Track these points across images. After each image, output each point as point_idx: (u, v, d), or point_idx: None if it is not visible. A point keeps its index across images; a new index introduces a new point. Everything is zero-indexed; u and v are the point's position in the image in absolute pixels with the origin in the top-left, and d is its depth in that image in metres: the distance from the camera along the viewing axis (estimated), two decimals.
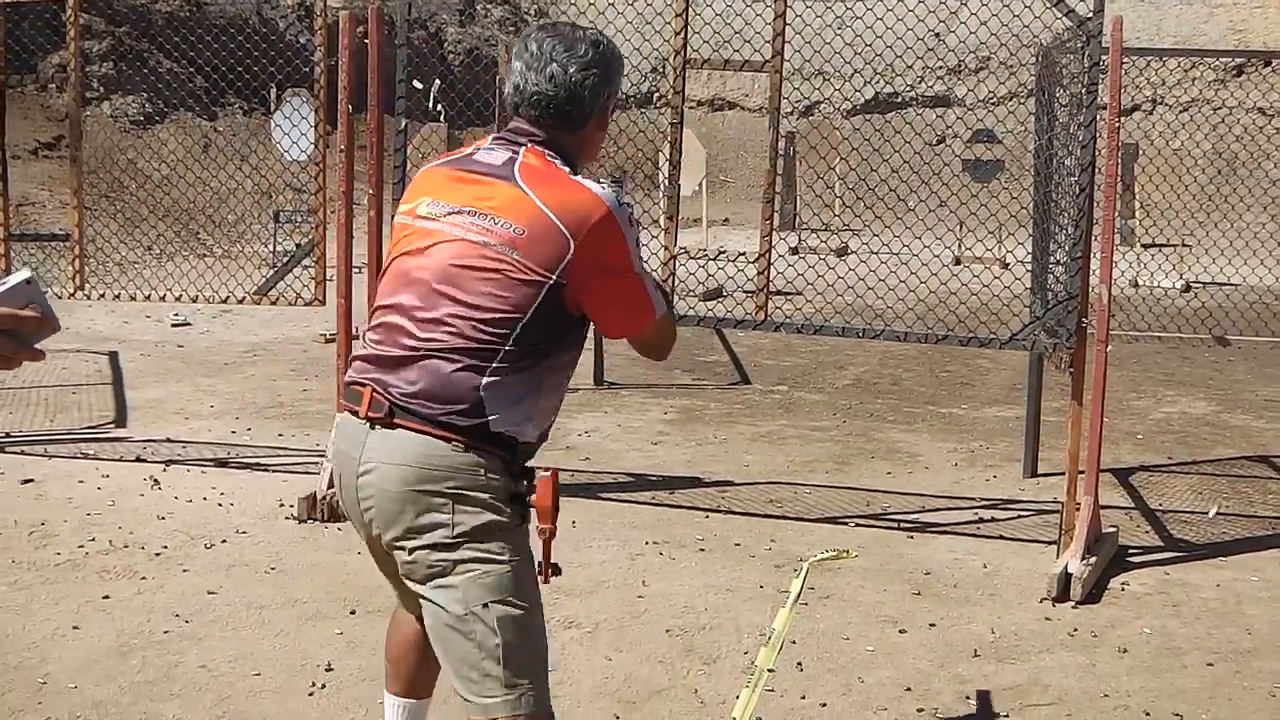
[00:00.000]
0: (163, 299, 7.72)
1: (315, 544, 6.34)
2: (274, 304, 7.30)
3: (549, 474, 3.30)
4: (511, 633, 3.19)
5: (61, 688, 4.77)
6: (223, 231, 12.98)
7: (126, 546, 6.24)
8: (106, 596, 5.61)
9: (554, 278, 3.18)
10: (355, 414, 3.28)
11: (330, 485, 6.68)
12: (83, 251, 7.77)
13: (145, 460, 7.72)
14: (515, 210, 3.21)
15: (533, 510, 3.27)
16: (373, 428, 3.23)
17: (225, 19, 21.75)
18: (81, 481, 7.30)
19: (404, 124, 6.94)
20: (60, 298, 8.17)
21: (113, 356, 11.13)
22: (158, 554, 6.15)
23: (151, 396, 9.61)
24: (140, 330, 12.49)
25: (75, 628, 5.31)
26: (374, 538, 3.33)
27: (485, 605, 3.18)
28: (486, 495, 3.19)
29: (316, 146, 7.27)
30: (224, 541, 6.35)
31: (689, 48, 6.77)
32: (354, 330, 7.10)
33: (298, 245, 16.59)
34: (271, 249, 16.05)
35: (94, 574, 5.91)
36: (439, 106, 8.93)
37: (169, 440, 8.25)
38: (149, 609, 5.49)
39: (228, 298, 7.48)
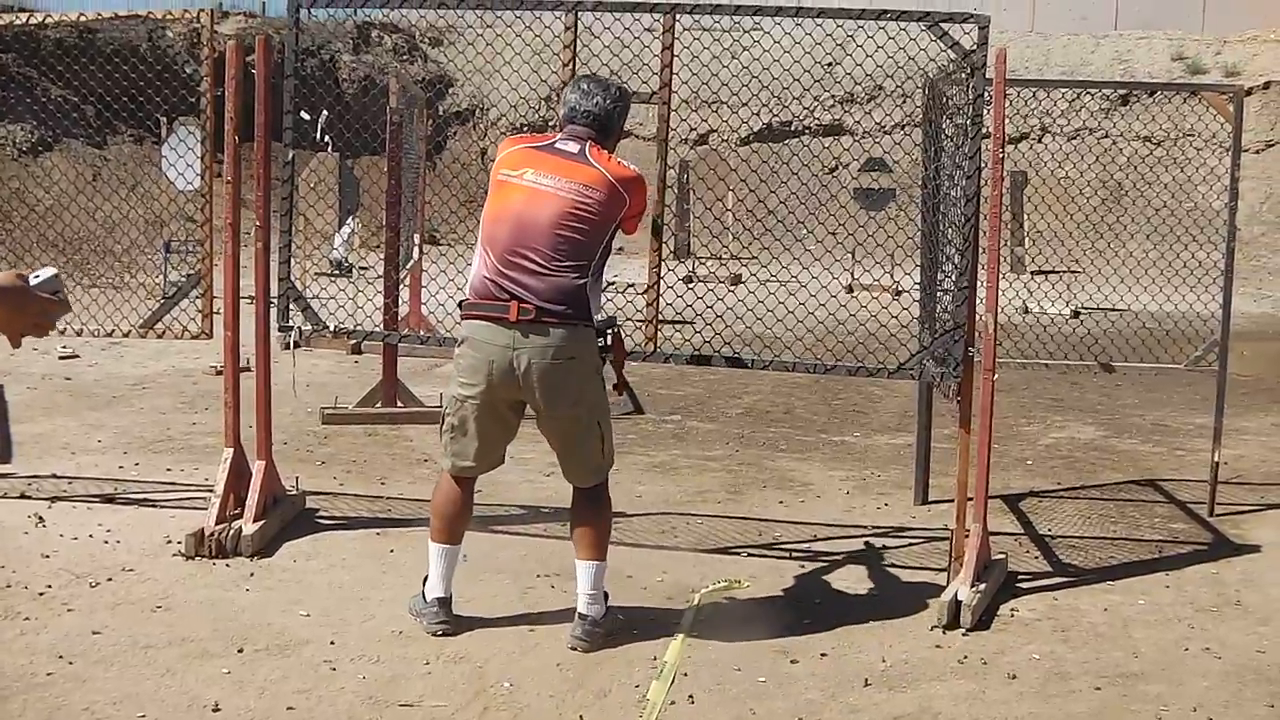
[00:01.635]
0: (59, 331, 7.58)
1: (203, 580, 6.24)
2: (160, 337, 7.21)
3: (617, 329, 5.64)
4: (608, 434, 5.66)
5: None
6: (113, 261, 12.81)
7: (9, 586, 6.10)
8: None
9: (617, 220, 5.47)
10: (500, 321, 5.27)
11: (219, 521, 6.62)
12: None
13: (29, 497, 7.57)
14: (595, 180, 5.35)
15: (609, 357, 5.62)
16: (522, 329, 5.27)
17: (114, 46, 21.49)
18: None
19: (291, 154, 6.89)
20: None
21: None
22: (41, 593, 6.01)
23: (37, 431, 9.43)
24: (27, 362, 12.23)
25: None
26: (506, 404, 5.49)
27: (599, 422, 5.58)
28: (593, 357, 5.49)
29: (203, 177, 7.19)
30: (110, 579, 6.23)
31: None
32: (242, 361, 7.03)
33: (187, 276, 16.43)
34: (162, 280, 15.84)
35: None
36: (326, 137, 8.89)
37: (54, 476, 8.09)
38: (31, 650, 5.37)
39: (113, 330, 7.37)
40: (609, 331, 5.59)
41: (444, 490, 5.72)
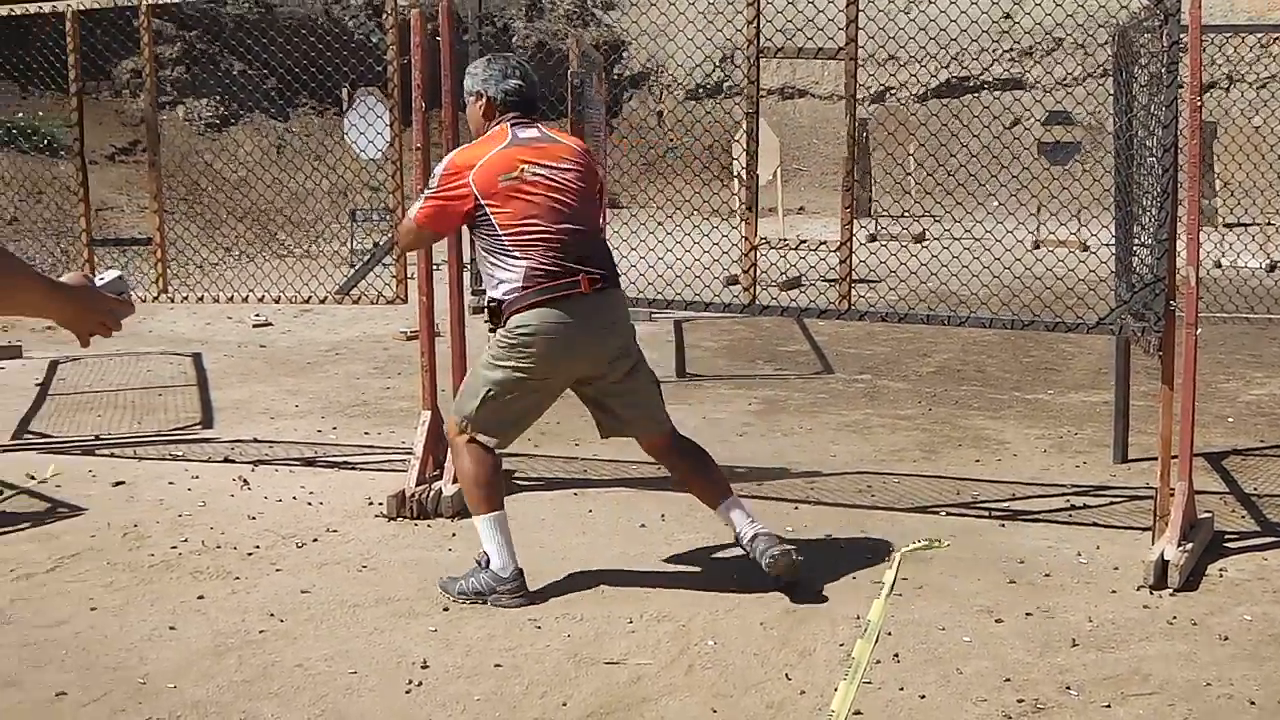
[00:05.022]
0: (245, 300, 7.77)
1: (406, 541, 6.36)
2: (356, 303, 7.32)
3: None
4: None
5: (161, 688, 4.81)
6: (302, 231, 13.05)
7: (219, 547, 6.29)
8: (201, 597, 5.65)
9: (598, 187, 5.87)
10: (573, 294, 5.42)
11: (419, 483, 6.72)
12: (164, 255, 7.82)
13: (233, 461, 7.79)
14: (578, 156, 5.67)
15: None
16: (592, 296, 5.46)
17: (294, 20, 21.86)
18: (171, 483, 7.36)
19: None
20: (144, 300, 8.24)
21: (196, 358, 11.23)
22: (250, 554, 6.19)
23: (236, 397, 9.69)
24: (222, 331, 12.59)
25: (172, 628, 5.34)
26: (566, 382, 5.65)
27: (651, 370, 5.82)
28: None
29: (392, 145, 7.28)
30: (315, 540, 6.38)
31: (761, 36, 6.72)
32: (435, 327, 7.12)
33: (375, 244, 16.69)
34: (349, 248, 16.14)
35: (188, 574, 5.95)
36: None
37: (256, 440, 8.32)
38: (243, 609, 5.52)
39: (310, 298, 7.52)
40: None
41: (487, 462, 5.62)
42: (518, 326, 5.43)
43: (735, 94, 26.01)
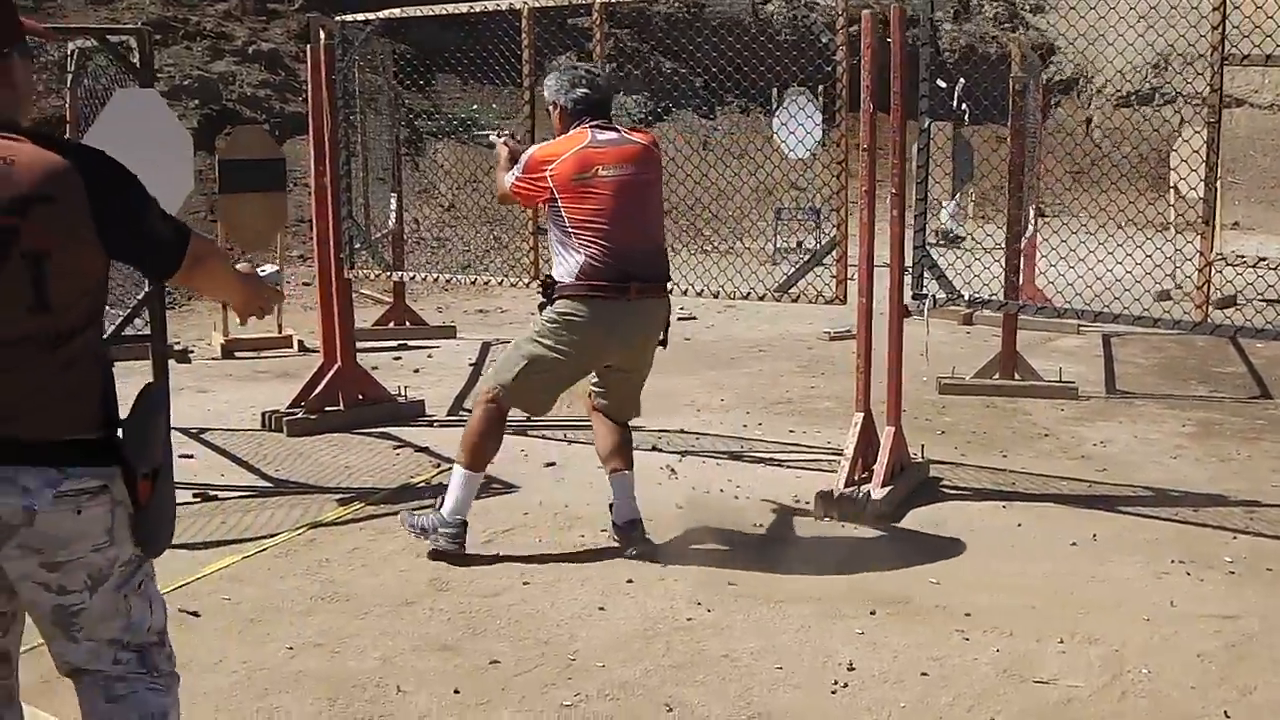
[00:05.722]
0: (684, 293, 7.89)
1: (833, 542, 6.36)
2: (794, 300, 7.35)
3: None
4: None
5: (590, 665, 4.95)
6: (728, 228, 13.21)
7: (646, 534, 6.42)
8: (630, 580, 5.80)
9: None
10: (619, 298, 5.90)
11: (848, 484, 6.72)
12: None
13: (660, 450, 7.94)
14: (649, 155, 6.13)
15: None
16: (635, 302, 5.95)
17: (721, 19, 22.20)
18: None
19: (928, 123, 6.89)
20: None
21: None
22: (675, 542, 6.31)
23: (662, 388, 9.82)
24: None
25: (601, 608, 5.50)
26: (601, 362, 6.17)
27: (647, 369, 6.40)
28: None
29: (839, 145, 7.27)
30: (741, 534, 6.46)
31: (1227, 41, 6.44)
32: (847, 328, 7.08)
33: (798, 243, 16.82)
34: (773, 246, 16.27)
35: (616, 558, 6.12)
36: (963, 105, 8.83)
37: (682, 431, 8.47)
38: (671, 595, 5.63)
39: (748, 294, 7.59)
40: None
41: (494, 426, 6.13)
42: (564, 311, 5.97)
43: (1169, 101, 25.08)
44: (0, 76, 3.01)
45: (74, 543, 3.01)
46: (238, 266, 3.63)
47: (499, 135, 6.78)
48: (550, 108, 6.27)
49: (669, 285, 6.26)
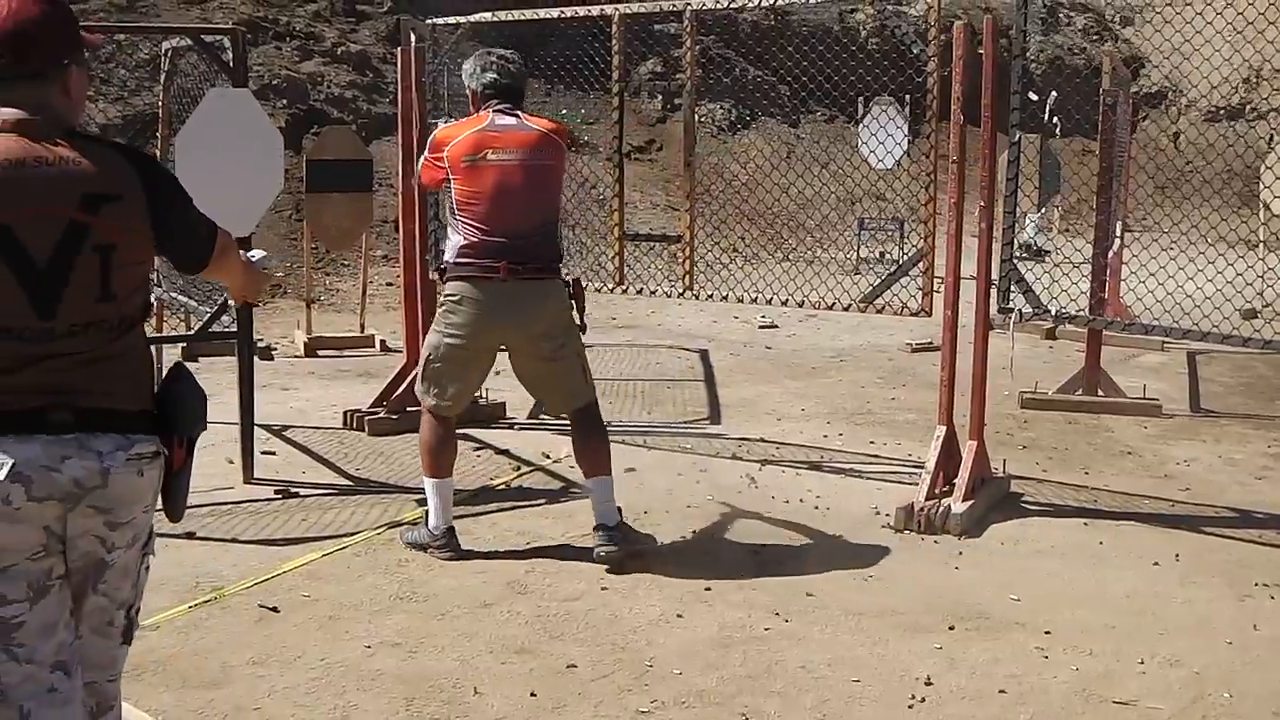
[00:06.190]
0: (769, 301, 7.87)
1: (912, 555, 6.33)
2: (879, 312, 7.33)
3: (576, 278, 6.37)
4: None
5: (666, 672, 4.95)
6: (813, 237, 13.20)
7: (728, 542, 6.42)
8: (708, 589, 5.78)
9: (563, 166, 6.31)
10: (491, 278, 5.95)
11: (929, 497, 6.69)
12: (693, 253, 8.02)
13: (740, 459, 7.93)
14: (543, 143, 6.10)
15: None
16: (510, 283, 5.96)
17: (808, 28, 22.13)
18: (680, 474, 7.57)
19: (1019, 136, 6.84)
20: (669, 296, 8.54)
21: (703, 354, 11.53)
22: (756, 553, 6.29)
23: (743, 395, 9.89)
24: (728, 330, 12.89)
25: (679, 615, 5.49)
26: (492, 345, 6.17)
27: (578, 357, 6.19)
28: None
29: (927, 156, 7.24)
30: (820, 545, 6.44)
31: None
32: (933, 339, 7.03)
33: (880, 254, 16.75)
34: (856, 255, 16.22)
35: (695, 566, 6.10)
36: (1054, 118, 8.77)
37: (763, 440, 8.45)
38: (749, 604, 5.61)
39: (833, 304, 7.57)
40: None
41: (437, 431, 6.26)
42: (448, 294, 6.12)
43: (1261, 117, 24.76)
44: (59, 86, 3.18)
45: (134, 504, 3.21)
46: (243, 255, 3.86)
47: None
48: (468, 93, 6.41)
49: (558, 268, 6.24)
